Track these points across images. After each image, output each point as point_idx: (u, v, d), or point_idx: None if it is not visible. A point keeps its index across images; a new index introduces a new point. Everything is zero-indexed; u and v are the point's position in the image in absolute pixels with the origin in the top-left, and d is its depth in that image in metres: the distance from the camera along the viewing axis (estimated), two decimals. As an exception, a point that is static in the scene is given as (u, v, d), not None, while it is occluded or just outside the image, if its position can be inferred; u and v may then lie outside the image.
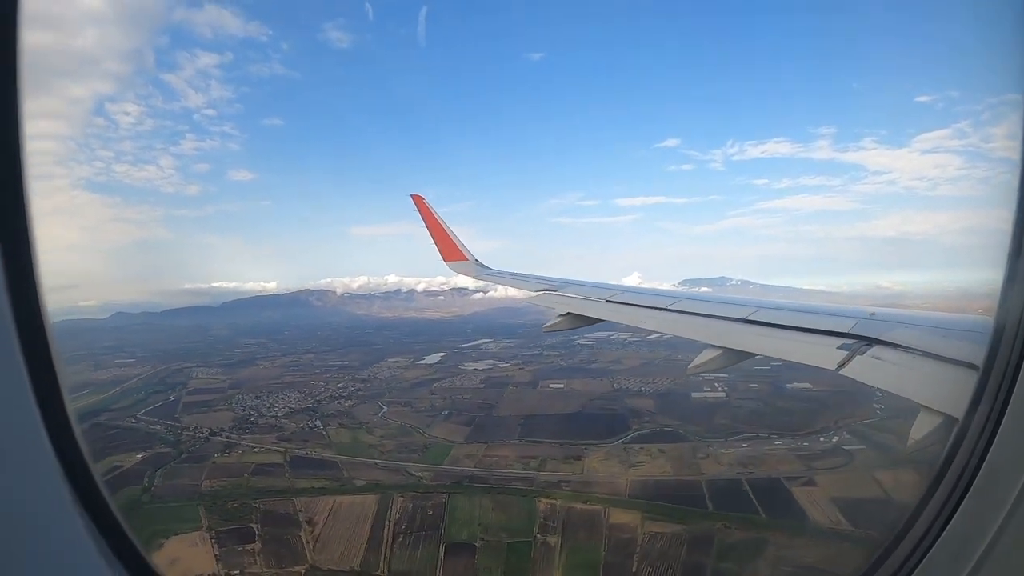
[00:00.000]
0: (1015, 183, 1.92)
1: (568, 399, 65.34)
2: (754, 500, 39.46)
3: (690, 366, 4.77)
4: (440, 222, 12.50)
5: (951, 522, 1.88)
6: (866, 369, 3.56)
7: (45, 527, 1.34)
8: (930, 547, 1.91)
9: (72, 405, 1.43)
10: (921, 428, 2.83)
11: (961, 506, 1.87)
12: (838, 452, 48.21)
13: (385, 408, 61.71)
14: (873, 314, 4.35)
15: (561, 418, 59.10)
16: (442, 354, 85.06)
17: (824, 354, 3.95)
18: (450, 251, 12.27)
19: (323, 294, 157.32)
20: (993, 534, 1.75)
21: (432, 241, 12.42)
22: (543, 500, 38.84)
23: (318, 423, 55.54)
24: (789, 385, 73.73)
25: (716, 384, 71.84)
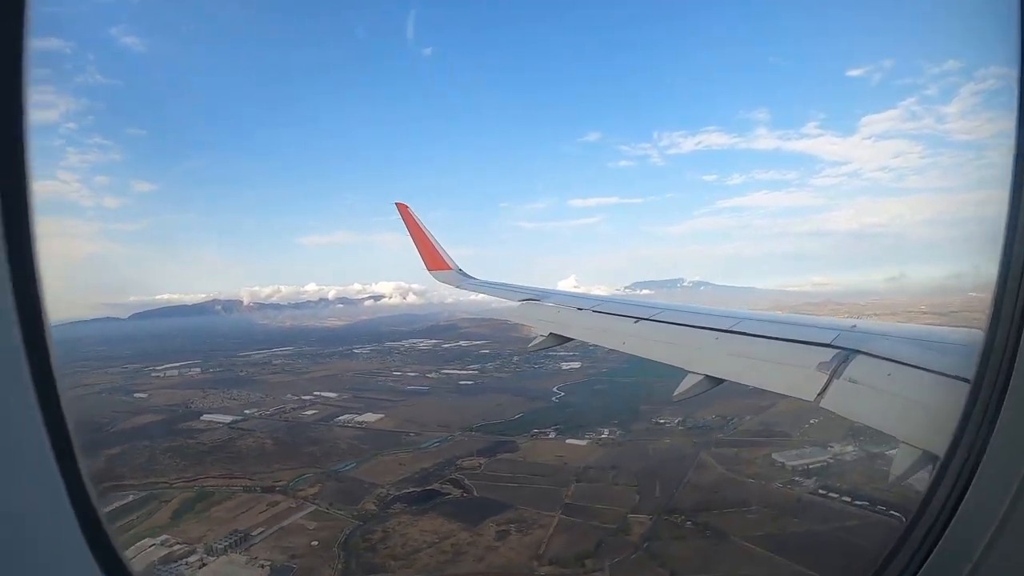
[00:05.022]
0: (1005, 180, 1.85)
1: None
2: None
3: (675, 393, 4.74)
4: (424, 231, 12.46)
5: (948, 528, 1.92)
6: (845, 398, 3.51)
7: (44, 529, 1.38)
8: (926, 558, 1.95)
9: (69, 408, 1.45)
10: (901, 464, 2.77)
11: (952, 520, 1.91)
12: None
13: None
14: (854, 327, 4.35)
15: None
16: (181, 364, 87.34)
17: (803, 378, 3.82)
18: (434, 260, 12.26)
19: (230, 303, 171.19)
20: (988, 539, 1.78)
21: (416, 250, 12.46)
22: None
23: None
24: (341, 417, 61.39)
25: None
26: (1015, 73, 1.79)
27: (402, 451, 51.66)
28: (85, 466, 1.53)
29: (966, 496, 1.89)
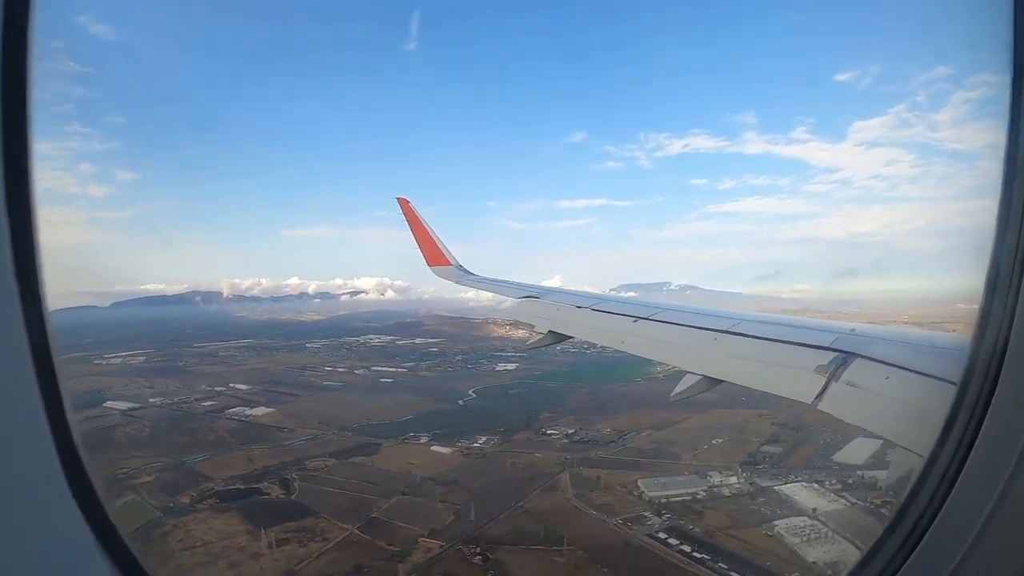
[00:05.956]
0: (996, 190, 1.85)
1: None
2: None
3: (673, 393, 4.65)
4: (425, 226, 12.21)
5: (930, 529, 1.90)
6: (842, 401, 3.44)
7: (47, 524, 1.36)
8: (907, 558, 1.94)
9: (70, 403, 1.45)
10: (897, 469, 2.73)
11: (935, 522, 1.90)
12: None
13: None
14: (853, 330, 4.27)
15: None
16: (131, 352, 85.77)
17: (801, 381, 3.74)
18: (434, 256, 11.98)
19: (210, 295, 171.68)
20: (970, 542, 1.76)
21: (416, 245, 12.17)
22: None
23: None
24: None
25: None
26: (1007, 81, 1.80)
27: (263, 447, 48.64)
28: (91, 464, 1.53)
29: (949, 497, 1.89)
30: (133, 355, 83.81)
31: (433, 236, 12.11)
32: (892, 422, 3.09)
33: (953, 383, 2.02)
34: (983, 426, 1.81)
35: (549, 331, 6.88)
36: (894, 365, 3.40)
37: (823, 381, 3.62)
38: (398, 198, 12.62)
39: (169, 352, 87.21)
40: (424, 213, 12.44)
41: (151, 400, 61.71)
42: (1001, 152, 1.83)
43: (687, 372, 4.65)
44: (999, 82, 1.79)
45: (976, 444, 1.83)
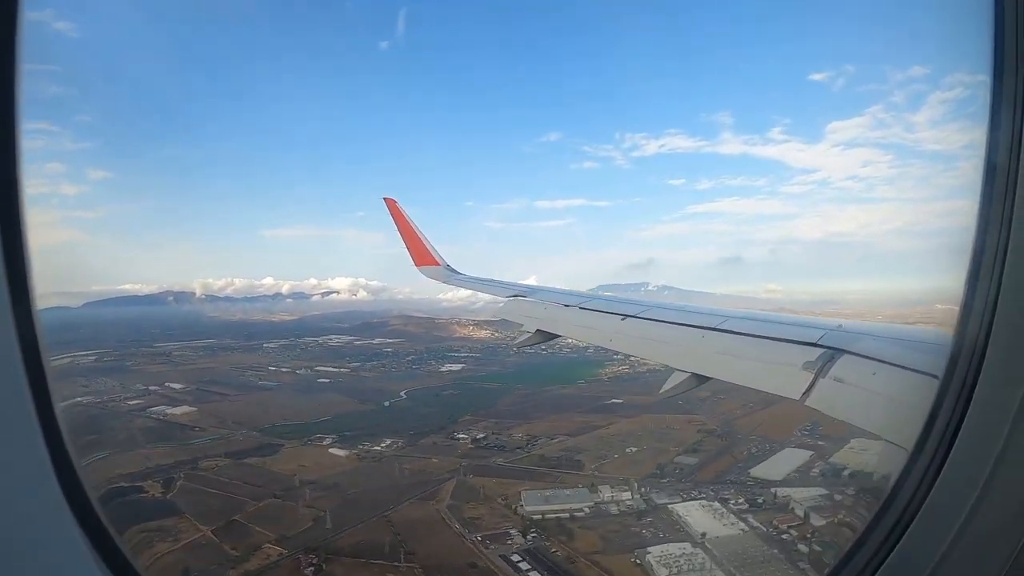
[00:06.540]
0: (973, 191, 1.86)
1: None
2: None
3: (662, 390, 4.72)
4: (412, 226, 12.09)
5: (913, 522, 1.92)
6: (830, 397, 3.48)
7: (39, 528, 1.36)
8: (891, 550, 1.94)
9: (60, 405, 1.47)
10: (885, 464, 2.69)
11: (918, 515, 1.91)
12: None
13: None
14: (840, 326, 4.26)
15: None
16: (83, 352, 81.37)
17: (789, 377, 3.75)
18: (422, 255, 11.85)
19: (182, 295, 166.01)
20: (954, 534, 1.78)
21: (404, 245, 12.00)
22: None
23: None
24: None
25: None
26: (987, 82, 1.80)
27: (167, 446, 47.67)
28: (81, 466, 1.54)
29: (933, 490, 1.90)
30: (85, 355, 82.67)
31: (420, 236, 11.99)
32: (879, 417, 3.12)
33: (939, 378, 2.02)
34: (965, 420, 1.83)
35: (537, 330, 6.88)
36: (881, 361, 3.43)
37: (810, 377, 3.64)
38: (385, 198, 12.44)
39: (124, 352, 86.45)
40: (406, 213, 12.28)
41: (78, 399, 60.02)
42: (976, 153, 1.83)
43: (675, 370, 4.65)
44: (976, 82, 1.81)
45: (958, 438, 1.85)
